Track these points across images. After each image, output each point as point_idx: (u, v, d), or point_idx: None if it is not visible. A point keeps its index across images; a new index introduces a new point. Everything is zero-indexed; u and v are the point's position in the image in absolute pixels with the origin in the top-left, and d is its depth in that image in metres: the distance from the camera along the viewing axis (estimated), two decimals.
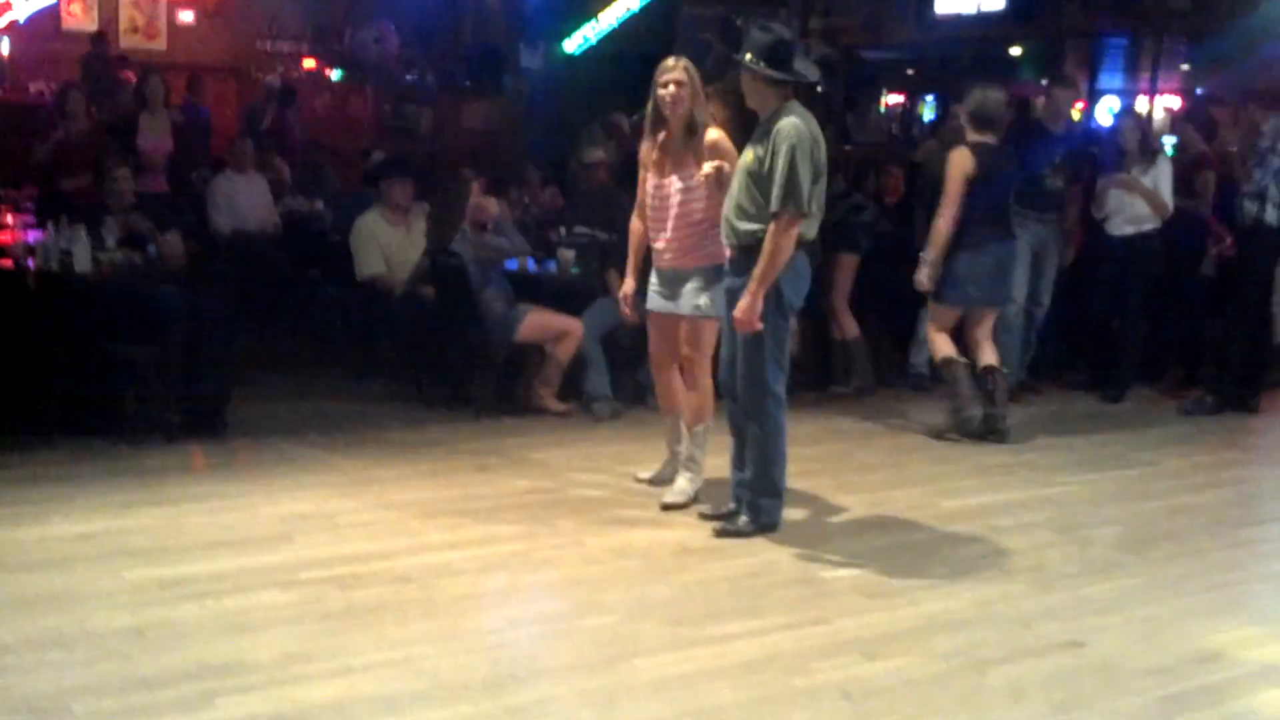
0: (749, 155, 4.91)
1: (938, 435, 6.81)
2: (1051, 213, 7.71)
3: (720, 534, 5.04)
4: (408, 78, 15.66)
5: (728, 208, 4.98)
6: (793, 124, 4.81)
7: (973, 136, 6.79)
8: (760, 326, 4.81)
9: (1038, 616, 4.36)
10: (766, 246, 4.77)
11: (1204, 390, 7.77)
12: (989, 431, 6.71)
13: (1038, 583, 4.70)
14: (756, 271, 4.78)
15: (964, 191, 6.60)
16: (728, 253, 5.02)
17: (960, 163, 6.65)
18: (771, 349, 4.92)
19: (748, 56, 4.88)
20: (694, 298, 5.29)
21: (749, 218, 4.88)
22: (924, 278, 6.71)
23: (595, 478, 5.79)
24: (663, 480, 5.65)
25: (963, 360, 6.77)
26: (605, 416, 6.81)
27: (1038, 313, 7.85)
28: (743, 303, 4.79)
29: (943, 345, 6.81)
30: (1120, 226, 7.71)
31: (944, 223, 6.62)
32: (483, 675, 3.71)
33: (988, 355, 6.82)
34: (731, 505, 5.22)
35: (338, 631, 3.97)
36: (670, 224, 5.28)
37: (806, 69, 4.95)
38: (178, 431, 6.05)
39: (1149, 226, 7.68)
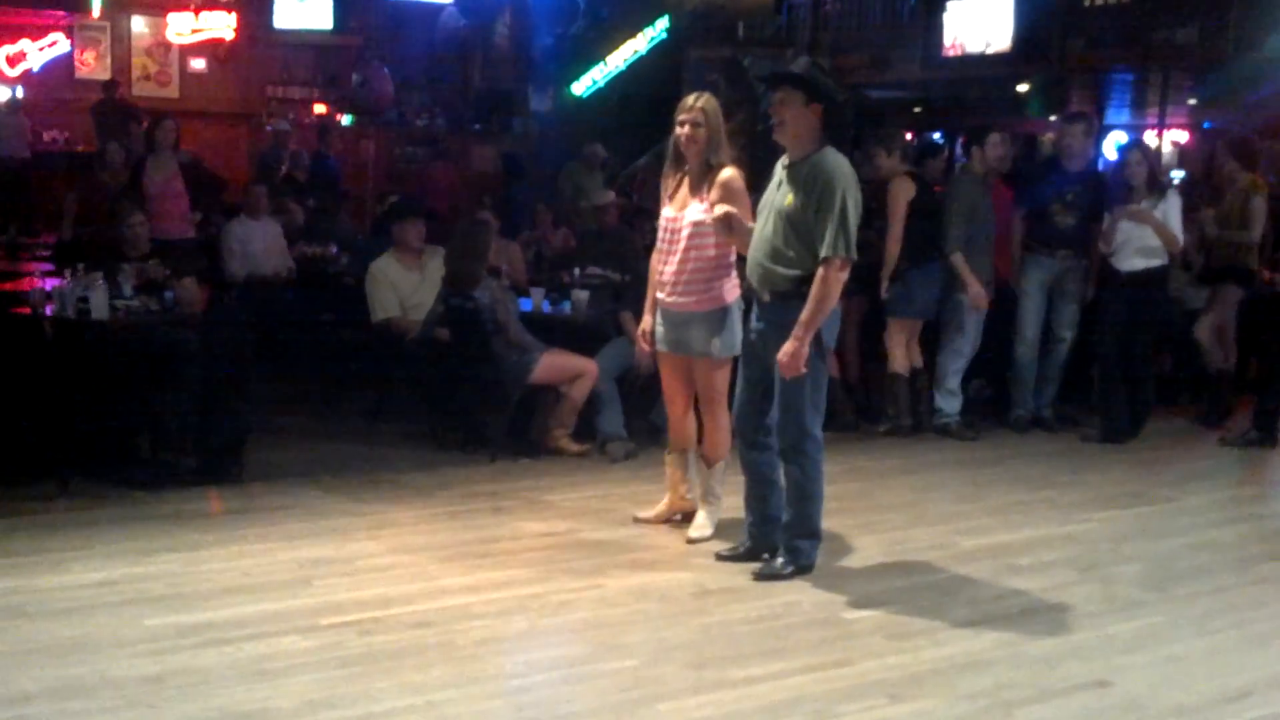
0: (788, 198, 4.80)
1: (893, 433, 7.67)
2: (1064, 249, 7.72)
3: (759, 577, 4.98)
4: (419, 121, 15.76)
5: (761, 252, 4.89)
6: (843, 167, 4.78)
7: (906, 167, 7.64)
8: (805, 370, 4.78)
9: (1062, 656, 4.32)
10: (816, 291, 4.70)
11: (1250, 423, 7.72)
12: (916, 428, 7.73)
13: (1061, 622, 4.66)
14: (804, 316, 4.71)
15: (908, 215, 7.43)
16: (765, 298, 4.93)
17: (905, 190, 7.44)
18: (810, 391, 4.87)
19: (807, 93, 4.81)
20: (703, 343, 5.30)
21: (789, 262, 4.80)
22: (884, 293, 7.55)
23: (612, 519, 5.76)
24: (663, 520, 5.66)
25: (908, 377, 7.67)
26: (620, 458, 6.79)
27: (1059, 348, 7.88)
28: (789, 347, 4.72)
29: (902, 360, 7.64)
30: (1129, 260, 7.54)
31: (895, 244, 7.43)
32: None
33: (919, 359, 7.82)
34: (747, 543, 5.21)
35: (359, 678, 3.94)
36: (677, 258, 5.27)
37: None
38: (194, 477, 6.06)
39: (1159, 262, 7.57)
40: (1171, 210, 7.54)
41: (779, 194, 4.88)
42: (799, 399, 4.86)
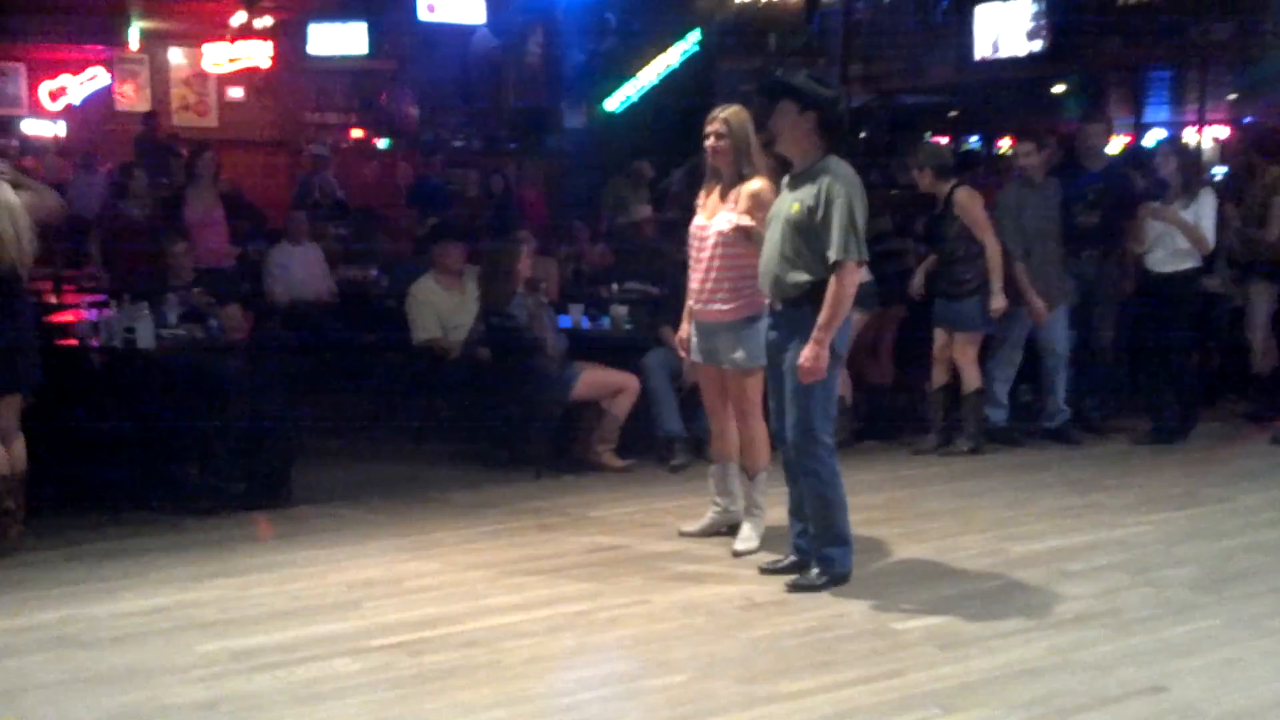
0: (794, 205, 4.83)
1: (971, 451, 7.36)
2: (1088, 249, 7.64)
3: (793, 588, 4.96)
4: (455, 142, 15.85)
5: (772, 261, 4.91)
6: (844, 171, 4.80)
7: (950, 180, 7.20)
8: (826, 375, 4.79)
9: (1117, 662, 4.27)
10: (832, 294, 4.72)
11: None
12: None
13: (1114, 627, 4.61)
14: (821, 320, 4.73)
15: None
16: (778, 306, 4.95)
17: (974, 200, 7.13)
18: (821, 398, 4.87)
19: (799, 102, 4.83)
20: (730, 352, 5.32)
21: (798, 268, 4.82)
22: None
23: (657, 533, 5.76)
24: (708, 533, 5.65)
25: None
26: (682, 464, 6.73)
27: (1100, 350, 7.78)
28: (808, 352, 4.74)
29: (978, 376, 7.32)
30: (1162, 262, 7.43)
31: (997, 253, 7.09)
32: None
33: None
34: (792, 557, 5.18)
35: (409, 699, 3.96)
36: (704, 265, 5.33)
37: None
38: (242, 501, 6.11)
39: (1188, 265, 7.41)
40: (1204, 209, 7.36)
41: (785, 203, 4.91)
42: (809, 407, 4.86)
